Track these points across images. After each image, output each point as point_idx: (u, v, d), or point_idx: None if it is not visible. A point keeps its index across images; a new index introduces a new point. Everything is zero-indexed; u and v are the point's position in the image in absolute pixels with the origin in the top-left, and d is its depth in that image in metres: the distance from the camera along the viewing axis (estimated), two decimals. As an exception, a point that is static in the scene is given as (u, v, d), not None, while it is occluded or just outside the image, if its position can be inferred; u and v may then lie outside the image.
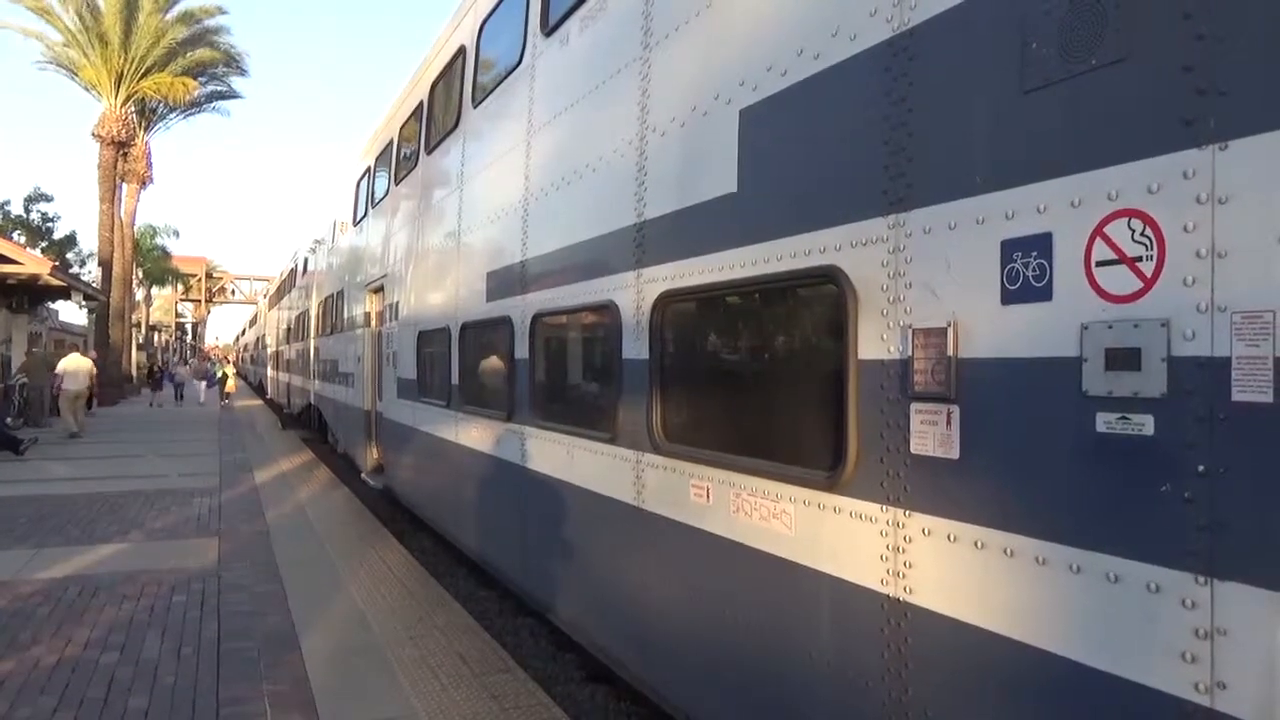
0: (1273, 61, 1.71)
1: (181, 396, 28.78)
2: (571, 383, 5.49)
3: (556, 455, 4.97)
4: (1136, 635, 1.90)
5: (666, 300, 3.77)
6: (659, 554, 3.85)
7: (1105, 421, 1.96)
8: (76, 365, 17.45)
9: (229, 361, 37.03)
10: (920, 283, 2.46)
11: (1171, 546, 1.83)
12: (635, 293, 4.00)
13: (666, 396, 3.83)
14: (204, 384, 31.21)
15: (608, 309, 4.26)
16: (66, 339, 23.29)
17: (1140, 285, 1.90)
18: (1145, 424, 1.88)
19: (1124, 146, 1.94)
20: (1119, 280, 1.94)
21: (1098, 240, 1.99)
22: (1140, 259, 1.90)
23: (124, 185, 31.07)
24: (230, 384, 30.37)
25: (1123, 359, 1.92)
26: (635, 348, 4.00)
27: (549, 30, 5.21)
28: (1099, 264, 1.99)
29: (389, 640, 5.18)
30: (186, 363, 33.35)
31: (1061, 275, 2.07)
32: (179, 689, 4.39)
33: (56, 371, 17.38)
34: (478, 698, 4.34)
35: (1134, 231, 1.92)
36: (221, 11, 30.30)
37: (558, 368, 5.59)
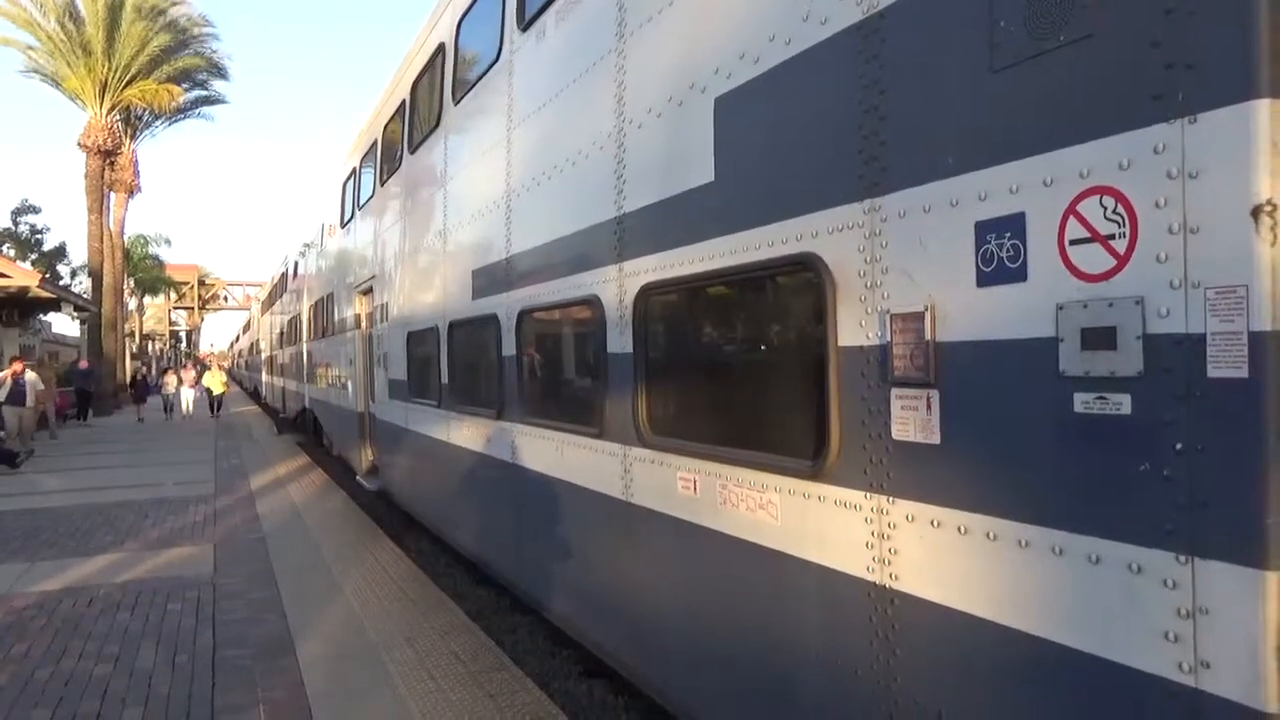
0: (1239, 33, 1.68)
1: (170, 409, 26.15)
2: (558, 378, 5.47)
3: (546, 451, 4.95)
4: (1119, 616, 1.88)
5: (648, 293, 3.75)
6: (649, 548, 3.83)
7: (1083, 401, 1.94)
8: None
9: (220, 367, 35.10)
10: (897, 267, 2.44)
11: (1152, 526, 1.82)
12: (617, 286, 3.98)
13: (651, 390, 3.81)
14: (191, 392, 27.03)
15: (591, 303, 4.23)
16: (16, 352, 22.29)
17: (1114, 263, 1.88)
18: (1122, 403, 1.86)
19: (1094, 123, 1.92)
20: (1093, 259, 1.92)
21: (1070, 219, 1.97)
22: (1113, 237, 1.88)
23: (112, 195, 30.90)
24: (214, 387, 26.75)
25: (1098, 338, 1.90)
26: (619, 341, 3.98)
27: (525, 25, 5.16)
28: (1072, 243, 1.97)
29: (385, 643, 5.17)
30: (174, 371, 29.75)
31: (1035, 255, 2.04)
32: (174, 699, 4.38)
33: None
34: (474, 697, 4.33)
35: (1106, 209, 1.89)
36: (208, 24, 30.01)
37: (545, 364, 5.56)
